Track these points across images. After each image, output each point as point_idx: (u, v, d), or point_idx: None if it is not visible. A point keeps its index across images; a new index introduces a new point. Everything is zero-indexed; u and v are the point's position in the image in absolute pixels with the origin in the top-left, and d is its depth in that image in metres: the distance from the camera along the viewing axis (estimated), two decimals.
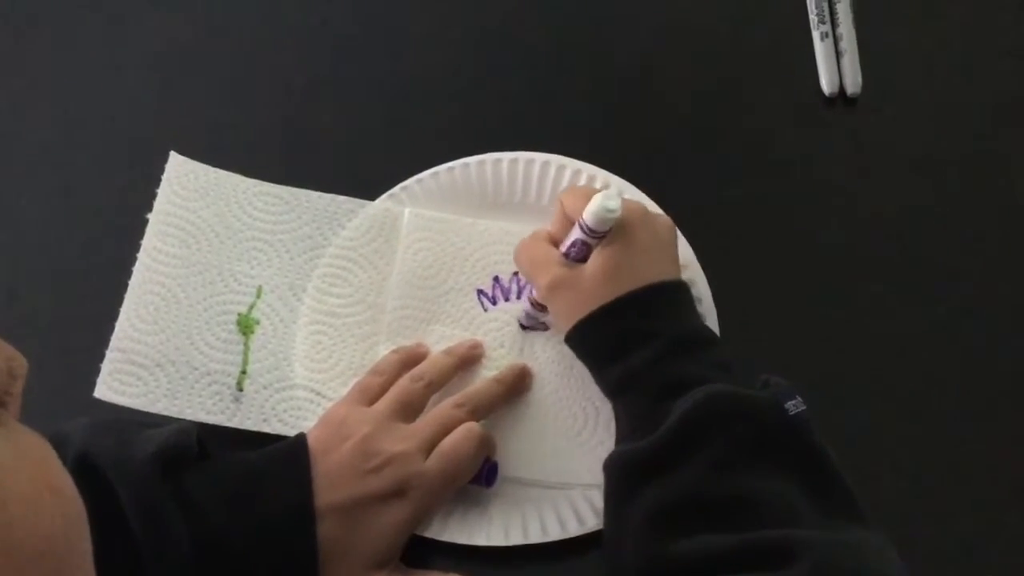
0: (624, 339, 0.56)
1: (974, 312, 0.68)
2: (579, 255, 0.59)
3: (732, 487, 0.50)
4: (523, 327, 0.66)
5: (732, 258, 0.68)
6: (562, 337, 0.60)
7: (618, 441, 0.57)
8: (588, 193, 0.58)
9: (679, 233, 0.66)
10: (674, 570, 0.48)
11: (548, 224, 0.63)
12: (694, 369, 0.55)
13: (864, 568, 0.46)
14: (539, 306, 0.64)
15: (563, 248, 0.60)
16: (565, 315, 0.59)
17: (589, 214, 0.56)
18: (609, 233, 0.57)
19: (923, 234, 0.70)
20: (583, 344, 0.59)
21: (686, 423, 0.51)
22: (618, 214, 0.56)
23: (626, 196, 0.67)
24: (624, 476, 0.53)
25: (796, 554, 0.45)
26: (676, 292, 0.59)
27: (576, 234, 0.58)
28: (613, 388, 0.58)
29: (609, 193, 0.56)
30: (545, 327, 0.66)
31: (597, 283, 0.57)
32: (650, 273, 0.58)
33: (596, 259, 0.58)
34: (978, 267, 0.69)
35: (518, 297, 0.66)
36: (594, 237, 0.57)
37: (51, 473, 0.33)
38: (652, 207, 0.67)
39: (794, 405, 0.52)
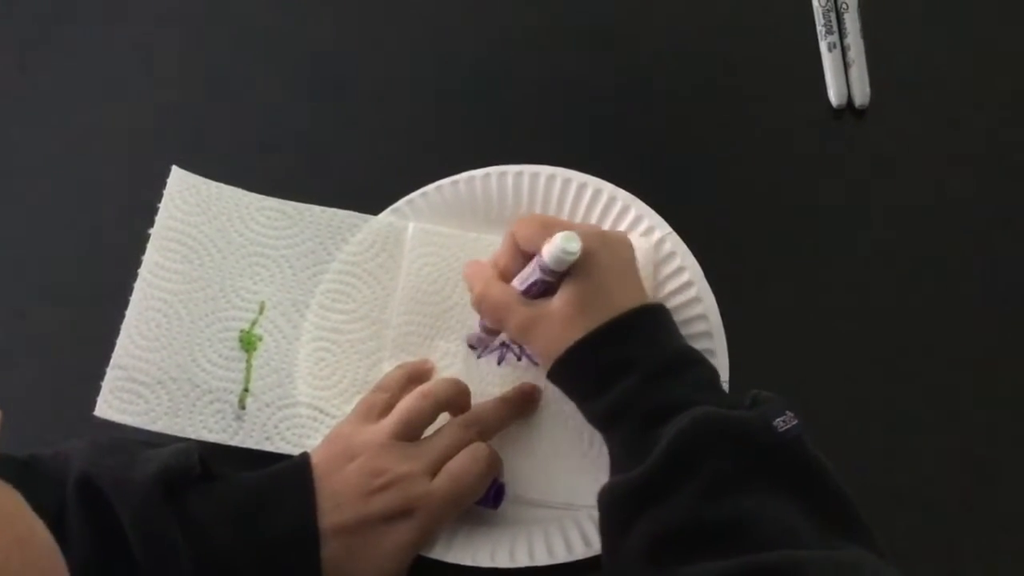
0: (604, 372, 0.55)
1: (987, 325, 0.67)
2: (539, 292, 0.58)
3: (727, 511, 0.49)
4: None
5: (740, 272, 0.67)
6: (546, 376, 0.59)
7: (612, 473, 0.56)
8: (542, 222, 0.57)
9: (686, 247, 0.66)
10: None
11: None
12: (678, 393, 0.54)
13: None
14: (489, 330, 0.63)
15: (521, 287, 0.59)
16: (543, 354, 0.58)
17: (548, 256, 0.55)
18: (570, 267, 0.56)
19: (934, 246, 0.70)
20: (565, 380, 0.58)
21: (674, 450, 0.51)
22: (577, 256, 0.55)
23: (632, 210, 0.67)
24: (618, 507, 0.53)
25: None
26: (649, 316, 0.57)
27: (536, 275, 0.57)
28: (600, 421, 0.57)
29: (568, 234, 0.54)
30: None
31: (568, 317, 0.56)
32: (619, 299, 0.56)
33: (563, 295, 0.57)
34: (991, 278, 0.69)
35: None
36: (554, 276, 0.56)
37: (20, 526, 0.33)
38: (658, 220, 0.67)
39: (783, 421, 0.51)
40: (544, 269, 0.56)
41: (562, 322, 0.56)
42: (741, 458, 0.50)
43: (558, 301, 0.57)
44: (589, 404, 0.57)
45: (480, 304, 0.61)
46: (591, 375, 0.56)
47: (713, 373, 0.57)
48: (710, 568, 0.47)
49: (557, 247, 0.54)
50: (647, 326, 0.57)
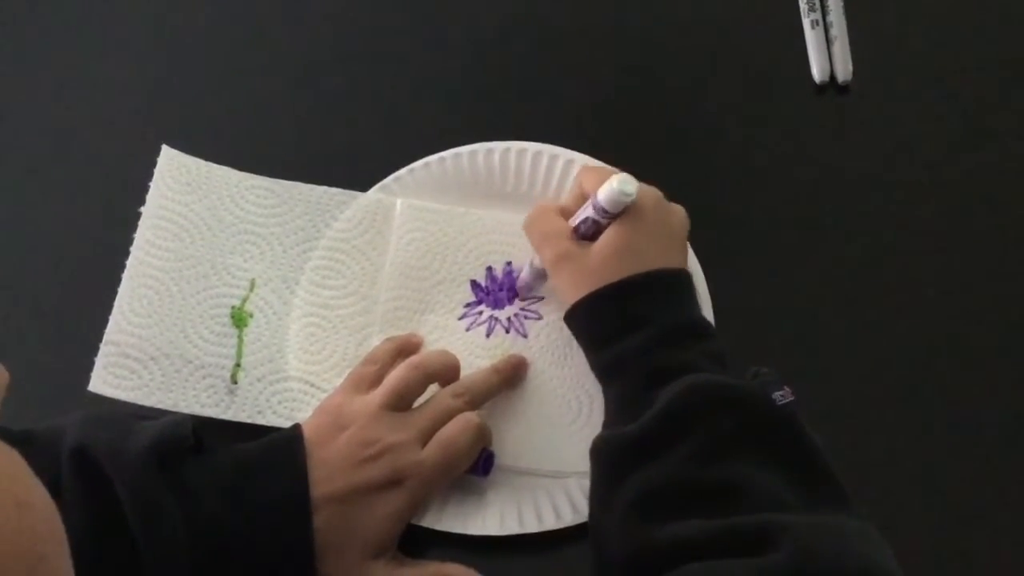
0: (620, 322, 0.57)
1: (969, 302, 0.68)
2: (588, 232, 0.59)
3: (716, 474, 0.50)
4: (517, 294, 0.66)
5: (724, 248, 0.68)
6: (557, 326, 0.60)
7: (605, 425, 0.57)
8: (608, 173, 0.58)
9: None
10: (657, 555, 0.48)
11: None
12: (685, 358, 0.55)
13: (846, 551, 0.46)
14: (539, 276, 0.64)
15: (573, 223, 0.60)
16: (567, 291, 0.59)
17: (604, 195, 0.56)
18: (621, 215, 0.58)
19: (917, 222, 0.70)
20: (581, 323, 0.59)
21: (671, 410, 0.52)
22: (633, 198, 0.56)
23: None
24: (609, 461, 0.54)
25: (778, 538, 0.45)
26: (678, 280, 0.59)
27: (588, 212, 0.58)
28: (605, 370, 0.58)
29: (626, 177, 0.56)
30: (536, 314, 0.66)
31: (603, 262, 0.58)
32: (656, 259, 0.58)
33: (605, 239, 0.58)
34: (973, 255, 0.69)
35: (512, 290, 0.66)
36: (605, 217, 0.58)
37: (20, 487, 0.33)
38: None
39: (782, 396, 0.52)
40: (597, 208, 0.57)
41: (596, 264, 0.58)
42: (736, 424, 0.51)
43: (598, 244, 0.58)
44: (598, 351, 0.58)
45: (528, 225, 0.63)
46: (608, 323, 0.57)
47: (723, 349, 0.58)
48: (695, 526, 0.48)
49: (614, 188, 0.56)
50: (674, 288, 0.59)
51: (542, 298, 0.66)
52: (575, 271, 0.59)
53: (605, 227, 0.58)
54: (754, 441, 0.51)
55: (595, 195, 0.57)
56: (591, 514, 0.55)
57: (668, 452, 0.51)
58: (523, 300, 0.66)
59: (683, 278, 0.60)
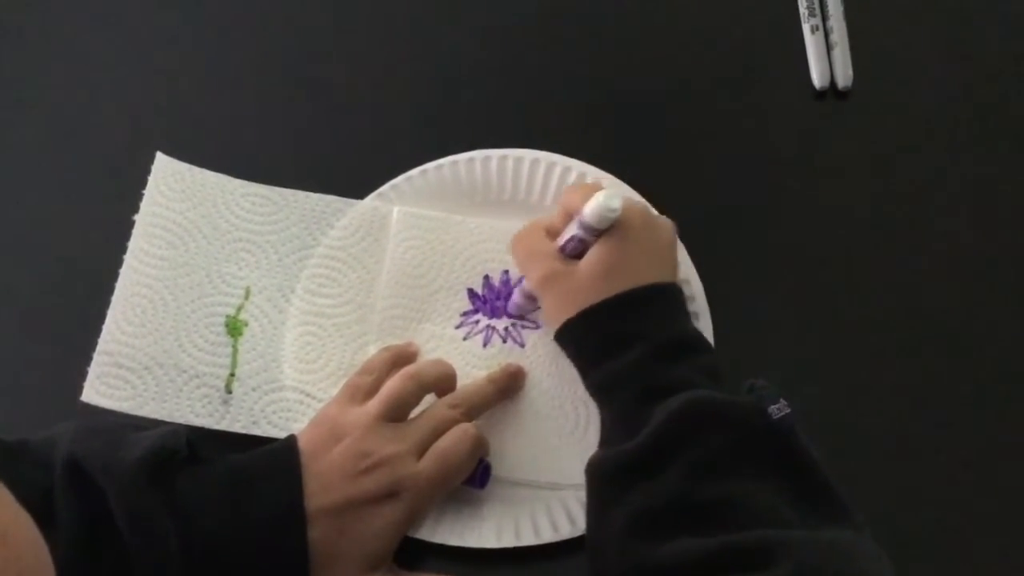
0: (612, 340, 0.56)
1: (972, 308, 0.67)
2: (575, 251, 0.59)
3: (713, 491, 0.50)
4: (509, 315, 0.66)
5: (724, 255, 0.68)
6: (553, 335, 0.60)
7: (601, 443, 0.57)
8: (592, 190, 0.58)
9: None
10: (657, 574, 0.48)
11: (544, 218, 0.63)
12: (679, 374, 0.55)
13: (845, 567, 0.46)
14: (530, 298, 0.64)
15: (559, 242, 0.59)
16: (555, 311, 0.59)
17: (589, 211, 0.56)
18: (607, 231, 0.57)
19: (918, 228, 0.70)
20: (572, 342, 0.59)
21: (667, 428, 0.51)
22: (618, 214, 0.56)
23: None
24: (605, 480, 0.53)
25: (777, 555, 0.45)
26: (668, 295, 0.59)
27: (574, 230, 0.58)
28: (598, 389, 0.58)
29: (611, 192, 0.56)
30: (534, 323, 0.65)
31: (590, 281, 0.57)
32: (645, 275, 0.57)
33: (591, 257, 0.58)
34: (975, 261, 0.69)
35: (509, 299, 0.66)
36: (591, 234, 0.57)
37: (2, 517, 0.32)
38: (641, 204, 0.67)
39: (778, 409, 0.51)
40: (583, 225, 0.57)
41: (584, 282, 0.57)
42: (732, 441, 0.51)
43: (585, 263, 0.58)
44: (591, 370, 0.58)
45: (514, 245, 0.62)
46: (599, 341, 0.57)
47: (717, 363, 0.57)
48: (692, 545, 0.47)
49: (599, 203, 0.55)
50: (665, 303, 0.58)
51: (539, 307, 0.65)
52: (563, 290, 0.58)
53: (592, 245, 0.58)
54: (751, 457, 0.51)
55: (580, 212, 0.56)
56: (588, 532, 0.55)
57: (665, 470, 0.50)
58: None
59: (673, 292, 0.59)
